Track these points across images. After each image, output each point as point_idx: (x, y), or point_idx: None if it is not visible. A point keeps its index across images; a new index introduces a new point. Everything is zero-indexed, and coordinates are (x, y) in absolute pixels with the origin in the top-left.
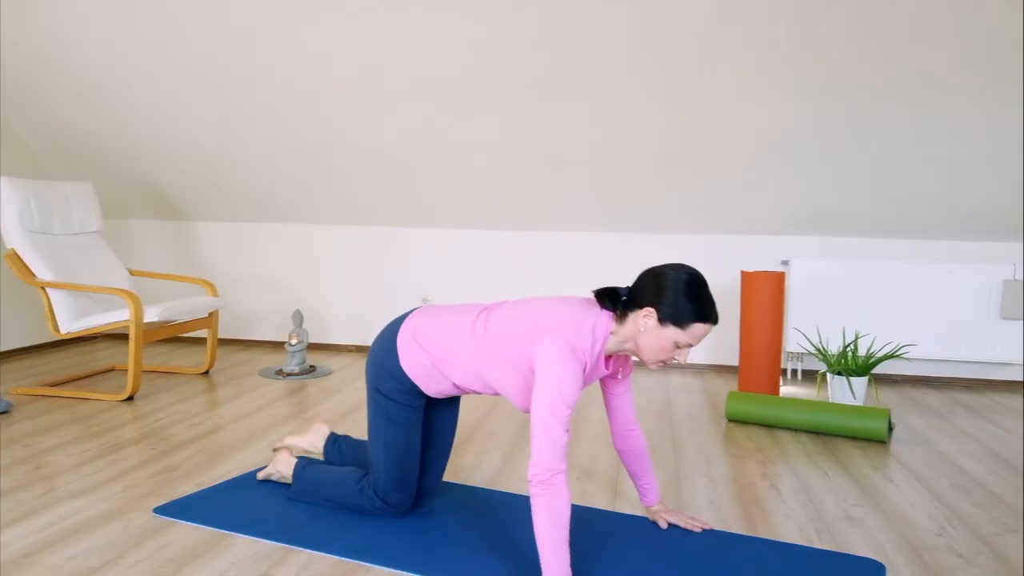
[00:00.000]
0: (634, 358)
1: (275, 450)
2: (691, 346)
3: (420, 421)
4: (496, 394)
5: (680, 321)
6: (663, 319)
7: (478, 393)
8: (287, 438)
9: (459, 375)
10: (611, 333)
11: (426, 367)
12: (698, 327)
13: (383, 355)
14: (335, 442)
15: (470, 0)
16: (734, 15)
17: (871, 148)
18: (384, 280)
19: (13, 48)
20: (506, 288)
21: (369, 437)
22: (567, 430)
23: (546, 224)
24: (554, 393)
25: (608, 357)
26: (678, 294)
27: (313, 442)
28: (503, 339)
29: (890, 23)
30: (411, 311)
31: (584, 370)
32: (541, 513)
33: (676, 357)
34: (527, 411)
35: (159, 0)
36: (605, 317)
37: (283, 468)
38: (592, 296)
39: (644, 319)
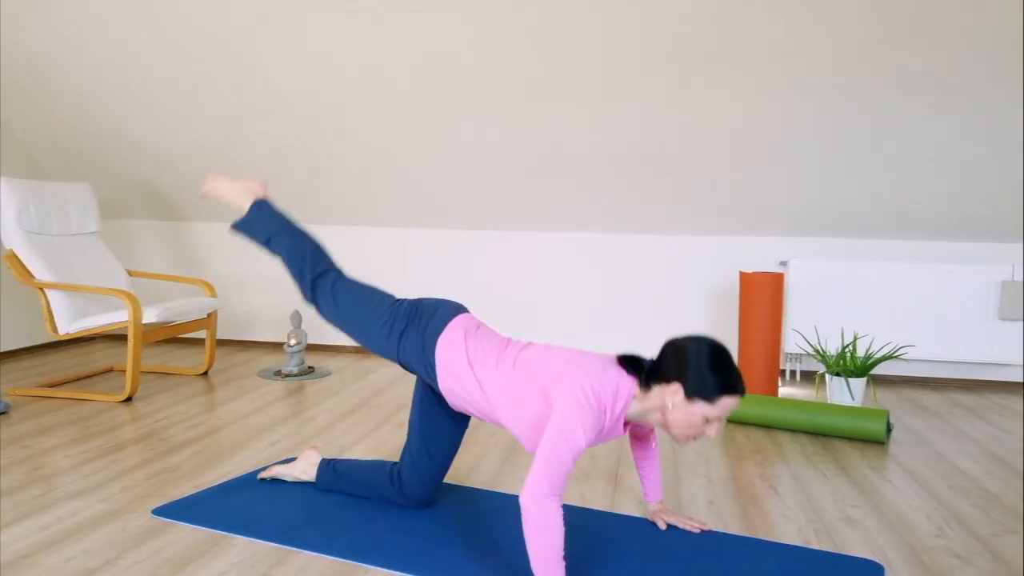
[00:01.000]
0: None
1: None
2: (720, 419)
3: (421, 399)
4: (496, 422)
5: (708, 395)
6: (690, 394)
7: (477, 417)
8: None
9: (476, 390)
10: (633, 397)
11: (456, 366)
12: (727, 400)
13: (427, 338)
14: (329, 464)
15: (470, 0)
16: (734, 15)
17: (871, 148)
18: (384, 280)
19: (13, 48)
20: (506, 288)
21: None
22: (574, 459)
23: (546, 224)
24: (574, 426)
25: (626, 423)
26: (702, 368)
27: (305, 469)
28: (526, 376)
29: (890, 23)
30: (459, 308)
31: (603, 428)
32: (533, 536)
33: (707, 431)
34: (533, 452)
35: (159, 0)
36: (628, 380)
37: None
38: (614, 357)
39: (672, 395)
